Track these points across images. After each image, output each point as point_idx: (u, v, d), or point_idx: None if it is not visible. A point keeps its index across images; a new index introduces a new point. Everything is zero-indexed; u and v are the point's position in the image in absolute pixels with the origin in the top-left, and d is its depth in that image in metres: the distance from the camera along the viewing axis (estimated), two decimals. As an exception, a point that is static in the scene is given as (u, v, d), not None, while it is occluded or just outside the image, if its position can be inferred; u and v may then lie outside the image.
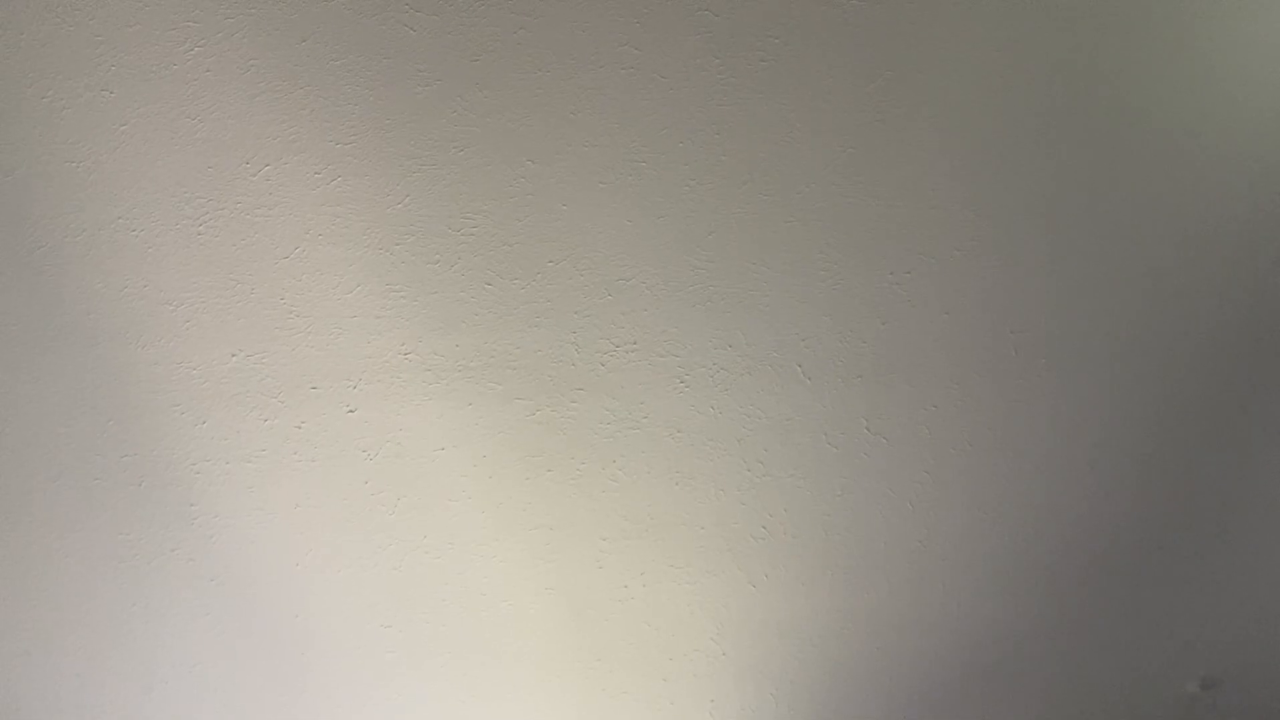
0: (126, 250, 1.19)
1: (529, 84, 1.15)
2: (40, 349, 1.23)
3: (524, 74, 1.14)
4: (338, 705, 1.45)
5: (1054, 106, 1.20)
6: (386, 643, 1.41)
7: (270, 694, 1.43)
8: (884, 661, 1.47)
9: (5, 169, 1.15)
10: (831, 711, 1.50)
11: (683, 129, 1.18)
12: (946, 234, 1.24)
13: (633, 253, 1.23)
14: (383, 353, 1.25)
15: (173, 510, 1.32)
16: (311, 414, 1.28)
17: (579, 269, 1.23)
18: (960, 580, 1.43)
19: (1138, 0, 1.16)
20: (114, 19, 1.10)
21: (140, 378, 1.25)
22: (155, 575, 1.35)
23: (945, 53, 1.17)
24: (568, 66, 1.14)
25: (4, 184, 1.16)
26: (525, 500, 1.33)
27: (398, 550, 1.35)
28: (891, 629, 1.45)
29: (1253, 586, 1.48)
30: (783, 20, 1.14)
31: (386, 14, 1.11)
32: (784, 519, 1.37)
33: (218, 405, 1.27)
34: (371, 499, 1.32)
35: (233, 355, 1.25)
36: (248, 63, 1.12)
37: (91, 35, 1.10)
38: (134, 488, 1.30)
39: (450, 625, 1.40)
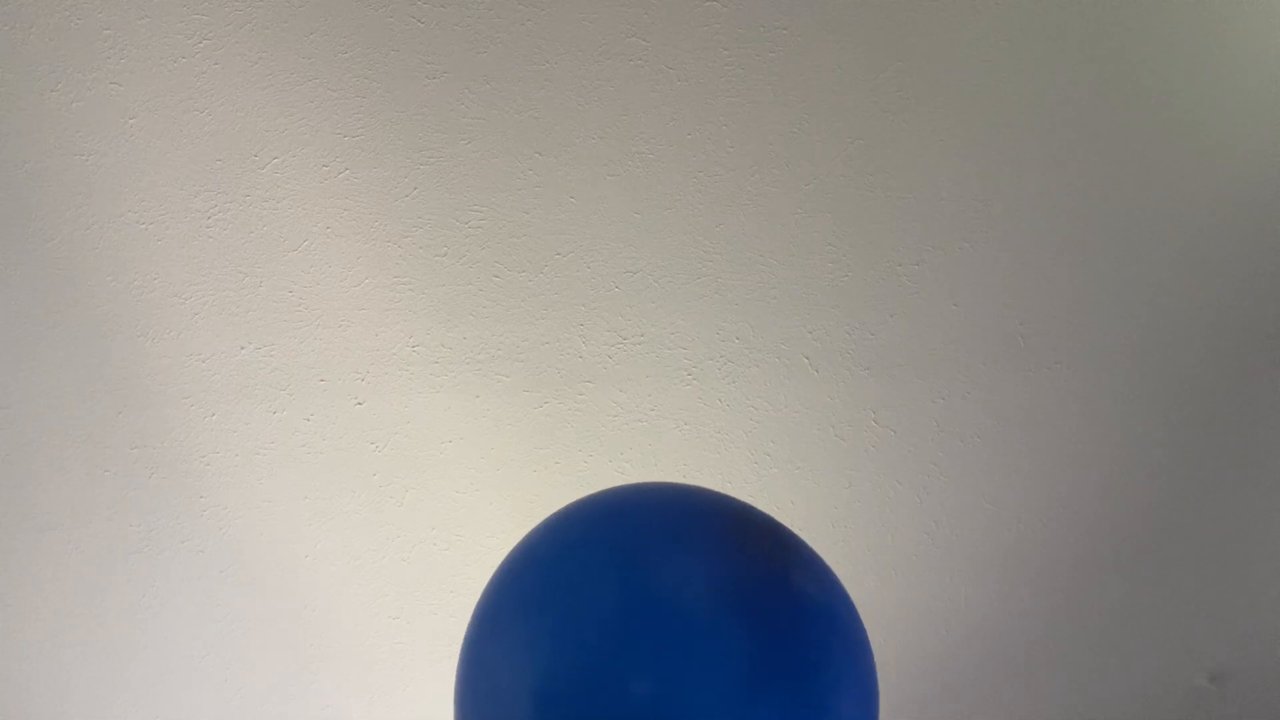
0: (135, 243, 1.20)
1: (536, 76, 1.15)
2: (48, 342, 1.24)
3: (531, 66, 1.14)
4: (347, 697, 1.45)
5: (1065, 99, 1.20)
6: (395, 634, 1.41)
7: (279, 685, 1.44)
8: (889, 653, 1.47)
9: (14, 162, 1.16)
10: (838, 704, 1.50)
11: (690, 121, 1.18)
12: (955, 226, 1.24)
13: (640, 245, 1.23)
14: (390, 345, 1.25)
15: (182, 502, 1.32)
16: (320, 406, 1.28)
17: (586, 261, 1.23)
18: (968, 573, 1.43)
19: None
20: (123, 12, 1.10)
21: (149, 371, 1.26)
22: (164, 567, 1.35)
23: (955, 44, 1.16)
24: (575, 58, 1.14)
25: (12, 177, 1.16)
26: (533, 492, 1.34)
27: (406, 542, 1.35)
28: (898, 621, 1.45)
29: (1263, 579, 1.48)
30: (791, 11, 1.14)
31: (394, 6, 1.11)
32: (791, 511, 1.37)
33: (226, 398, 1.27)
34: (379, 491, 1.32)
35: (241, 348, 1.25)
36: (256, 56, 1.12)
37: (100, 28, 1.10)
38: (143, 480, 1.31)
39: (458, 618, 1.40)
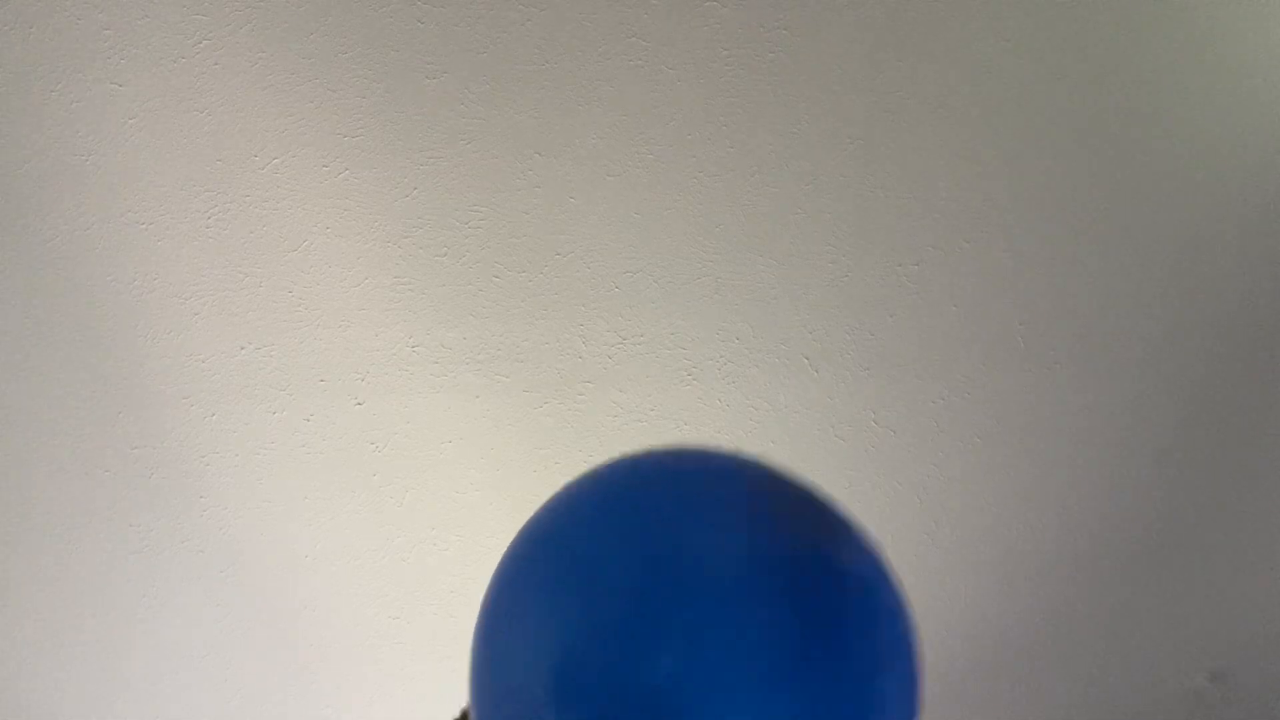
0: (135, 244, 1.20)
1: (536, 76, 1.15)
2: (49, 342, 1.24)
3: (531, 66, 1.14)
4: (347, 696, 1.45)
5: (1065, 98, 1.20)
6: (395, 634, 1.41)
7: (279, 685, 1.44)
8: (891, 654, 1.47)
9: (15, 162, 1.16)
10: (838, 704, 1.50)
11: (690, 122, 1.18)
12: (954, 226, 1.24)
13: (640, 245, 1.23)
14: (390, 345, 1.25)
15: (182, 502, 1.32)
16: (320, 407, 1.28)
17: (586, 262, 1.23)
18: (968, 573, 1.43)
19: (1147, -9, 1.15)
20: (124, 12, 1.10)
21: (149, 371, 1.26)
22: (165, 567, 1.36)
23: (955, 44, 1.16)
24: (575, 59, 1.14)
25: (13, 177, 1.16)
26: (533, 492, 1.33)
27: (406, 542, 1.36)
28: (899, 622, 1.45)
29: (1264, 579, 1.48)
30: (791, 12, 1.14)
31: (394, 6, 1.11)
32: (791, 511, 1.37)
33: (226, 398, 1.27)
34: (379, 491, 1.32)
35: (241, 348, 1.25)
36: (256, 56, 1.12)
37: (101, 29, 1.10)
38: (144, 479, 1.31)
39: (459, 617, 1.40)
